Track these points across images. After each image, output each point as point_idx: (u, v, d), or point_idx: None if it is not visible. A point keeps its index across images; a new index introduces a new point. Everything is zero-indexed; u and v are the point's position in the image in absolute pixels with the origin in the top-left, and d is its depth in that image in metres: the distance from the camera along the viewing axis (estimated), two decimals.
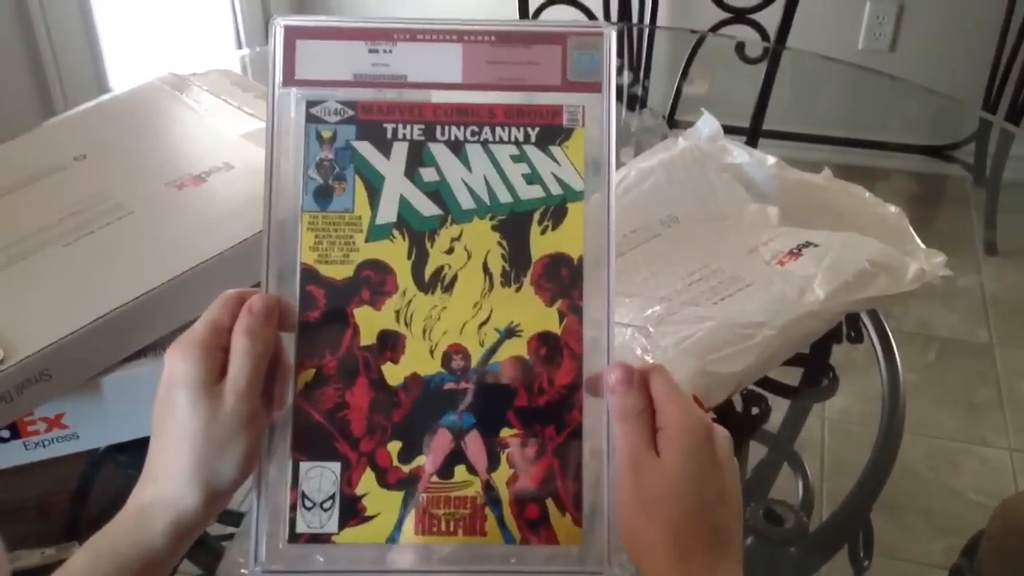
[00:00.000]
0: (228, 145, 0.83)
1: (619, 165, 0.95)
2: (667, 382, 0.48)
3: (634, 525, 0.46)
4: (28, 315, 0.67)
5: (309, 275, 0.50)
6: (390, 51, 0.50)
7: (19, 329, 0.66)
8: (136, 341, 0.70)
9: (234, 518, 0.61)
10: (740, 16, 1.75)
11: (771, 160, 0.92)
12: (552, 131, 0.51)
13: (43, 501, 0.73)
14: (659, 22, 1.92)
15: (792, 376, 0.84)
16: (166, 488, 0.46)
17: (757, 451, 0.83)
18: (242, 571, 0.50)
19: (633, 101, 1.51)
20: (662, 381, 0.48)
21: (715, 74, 1.71)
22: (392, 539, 0.49)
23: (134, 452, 0.48)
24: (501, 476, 0.49)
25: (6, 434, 0.70)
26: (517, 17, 1.91)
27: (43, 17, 1.71)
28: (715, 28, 1.78)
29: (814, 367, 0.86)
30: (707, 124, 0.97)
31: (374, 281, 0.50)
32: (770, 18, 1.74)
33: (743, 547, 0.46)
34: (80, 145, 0.84)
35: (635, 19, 1.91)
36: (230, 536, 0.64)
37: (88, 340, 0.67)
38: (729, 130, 0.99)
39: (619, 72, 0.52)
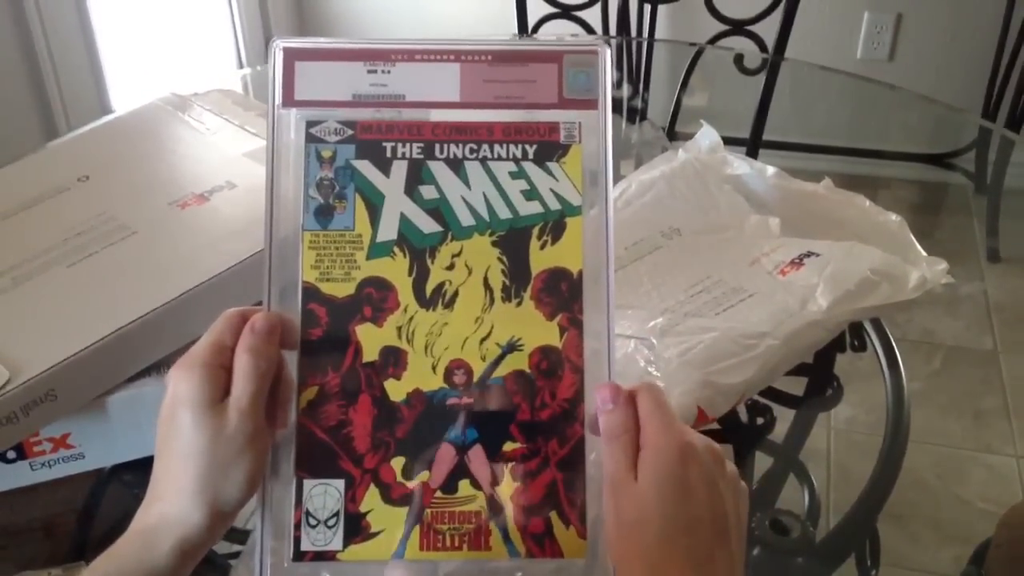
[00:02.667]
0: (230, 164, 0.84)
1: (619, 178, 0.95)
2: (651, 400, 0.47)
3: (615, 549, 0.46)
4: (33, 336, 0.68)
5: (310, 293, 0.50)
6: (388, 71, 0.51)
7: (24, 350, 0.66)
8: (141, 360, 0.70)
9: (241, 536, 0.61)
10: (738, 28, 1.76)
11: (771, 171, 0.92)
12: (549, 148, 0.51)
13: (50, 521, 0.73)
14: (658, 35, 1.93)
15: (797, 386, 0.84)
16: (171, 508, 0.46)
17: (763, 461, 0.83)
18: None
19: (633, 114, 1.51)
20: (647, 399, 0.47)
21: (715, 86, 1.72)
22: (397, 555, 0.49)
23: (140, 471, 0.48)
24: (505, 490, 0.49)
25: (12, 455, 0.70)
26: (516, 30, 1.92)
27: (45, 39, 1.73)
28: (713, 40, 1.78)
29: (818, 377, 0.86)
30: (707, 136, 0.97)
31: (375, 298, 0.50)
32: (768, 29, 1.75)
33: (739, 564, 0.45)
34: (83, 166, 0.84)
35: (634, 32, 1.92)
36: (237, 555, 0.64)
37: (93, 360, 0.67)
38: (730, 141, 0.99)
39: (618, 85, 0.52)
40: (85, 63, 1.85)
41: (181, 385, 0.46)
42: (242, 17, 2.38)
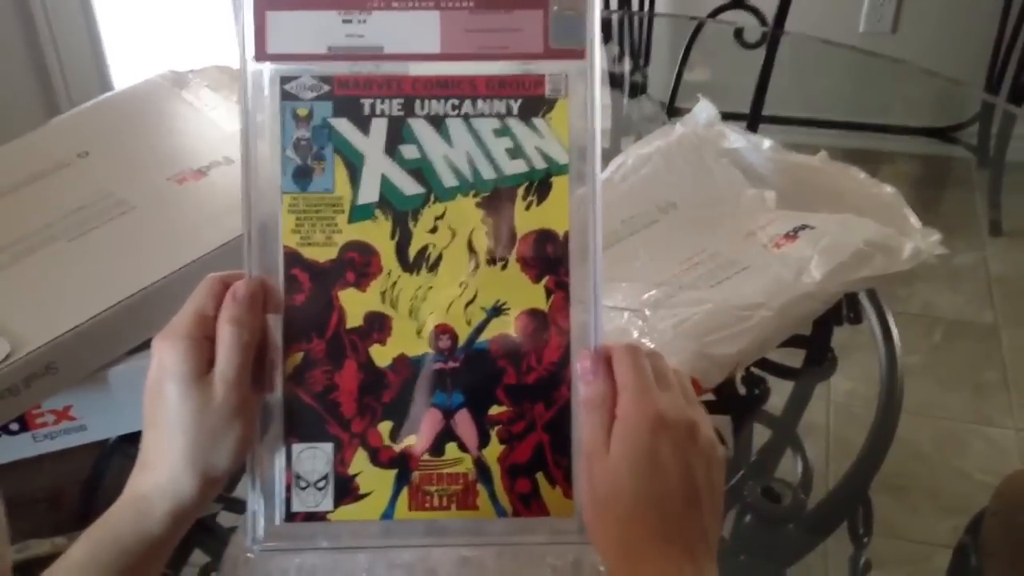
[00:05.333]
0: (227, 140, 0.84)
1: (617, 152, 0.95)
2: (628, 365, 0.46)
3: (589, 520, 0.46)
4: (34, 309, 0.68)
5: (292, 258, 0.49)
6: (364, 20, 0.49)
7: (26, 323, 0.67)
8: (141, 333, 0.70)
9: (241, 507, 0.62)
10: (738, 1, 1.75)
11: (767, 144, 0.92)
12: (534, 103, 0.50)
13: (54, 492, 0.74)
14: (658, 9, 1.92)
15: (796, 358, 0.85)
16: (162, 478, 0.46)
17: (763, 433, 0.84)
18: (247, 554, 0.51)
19: (634, 89, 1.51)
20: (623, 364, 0.46)
21: (715, 60, 1.71)
22: (386, 516, 0.50)
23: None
24: (492, 452, 0.50)
25: (15, 427, 0.71)
26: None
27: (46, 18, 1.73)
28: (714, 14, 1.78)
29: (816, 349, 0.86)
30: (704, 110, 0.97)
31: (358, 263, 0.49)
32: (769, 3, 1.74)
33: (713, 533, 0.45)
34: (83, 142, 0.85)
35: (635, 7, 1.91)
36: (235, 529, 0.65)
37: (93, 333, 0.68)
38: (731, 116, 0.99)
39: (619, 59, 0.51)
40: (86, 40, 1.85)
41: (166, 358, 0.46)
42: None
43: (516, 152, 0.50)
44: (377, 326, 0.50)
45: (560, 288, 0.50)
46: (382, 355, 0.50)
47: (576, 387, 0.50)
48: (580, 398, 0.48)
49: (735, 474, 0.74)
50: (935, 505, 1.28)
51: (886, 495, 0.77)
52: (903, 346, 0.86)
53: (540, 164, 0.50)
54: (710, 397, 0.73)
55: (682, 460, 0.44)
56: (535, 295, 0.50)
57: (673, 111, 1.49)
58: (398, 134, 0.50)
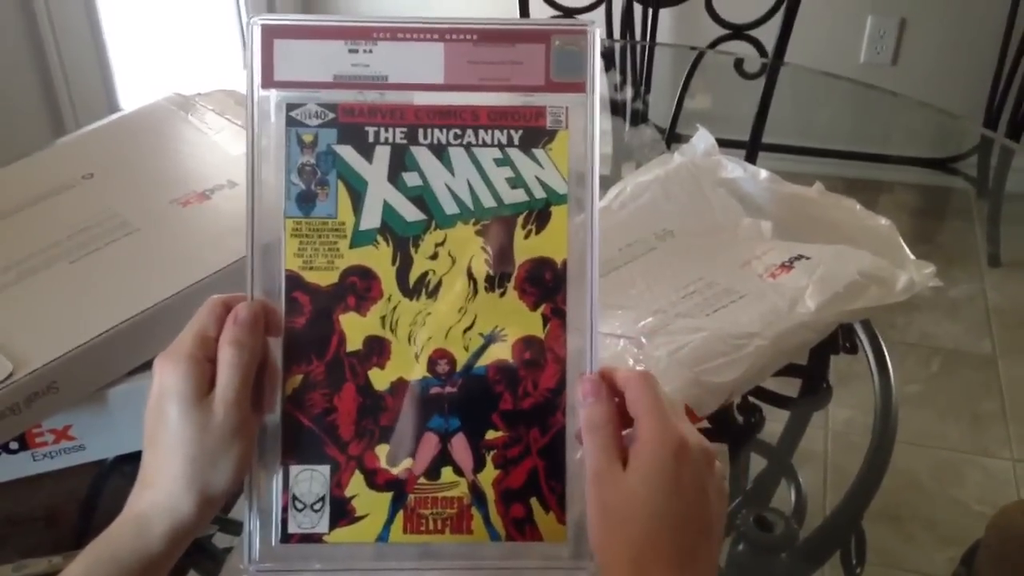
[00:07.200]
0: (231, 163, 0.85)
1: (617, 178, 0.96)
2: (647, 391, 0.47)
3: (597, 539, 0.46)
4: (36, 329, 0.69)
5: (294, 282, 0.50)
6: (370, 51, 0.50)
7: (28, 343, 0.67)
8: (141, 354, 0.71)
9: (237, 528, 0.62)
10: (738, 32, 1.77)
11: (764, 174, 0.93)
12: (535, 133, 0.50)
13: (52, 511, 0.74)
14: (659, 39, 1.93)
15: (792, 387, 0.85)
16: (161, 496, 0.47)
17: (758, 462, 0.84)
18: (242, 575, 0.51)
19: (635, 116, 1.53)
20: (643, 390, 0.47)
21: (716, 89, 1.73)
22: (381, 538, 0.50)
23: (140, 463, 0.50)
24: (487, 477, 0.50)
25: (15, 446, 0.71)
26: None
27: (54, 39, 1.75)
28: (714, 44, 1.79)
29: (812, 378, 0.87)
30: (703, 139, 0.98)
31: (359, 287, 0.50)
32: (769, 34, 1.76)
33: (716, 564, 0.46)
34: (88, 164, 0.86)
35: (637, 36, 1.93)
36: (230, 549, 0.65)
37: (95, 353, 0.68)
38: (732, 144, 1.00)
39: (620, 88, 0.52)
40: (93, 62, 1.86)
41: (168, 378, 0.46)
42: (250, 16, 2.40)
43: (516, 182, 0.51)
44: (376, 350, 0.50)
45: (557, 315, 0.50)
46: (381, 379, 0.50)
47: (573, 412, 0.50)
48: (581, 421, 0.48)
49: (730, 503, 0.74)
50: (931, 535, 1.28)
51: (883, 525, 0.77)
52: (901, 376, 0.86)
53: (540, 194, 0.51)
54: (705, 425, 0.73)
55: (700, 487, 0.45)
56: (532, 322, 0.51)
57: (674, 138, 1.50)
58: (401, 162, 0.50)
